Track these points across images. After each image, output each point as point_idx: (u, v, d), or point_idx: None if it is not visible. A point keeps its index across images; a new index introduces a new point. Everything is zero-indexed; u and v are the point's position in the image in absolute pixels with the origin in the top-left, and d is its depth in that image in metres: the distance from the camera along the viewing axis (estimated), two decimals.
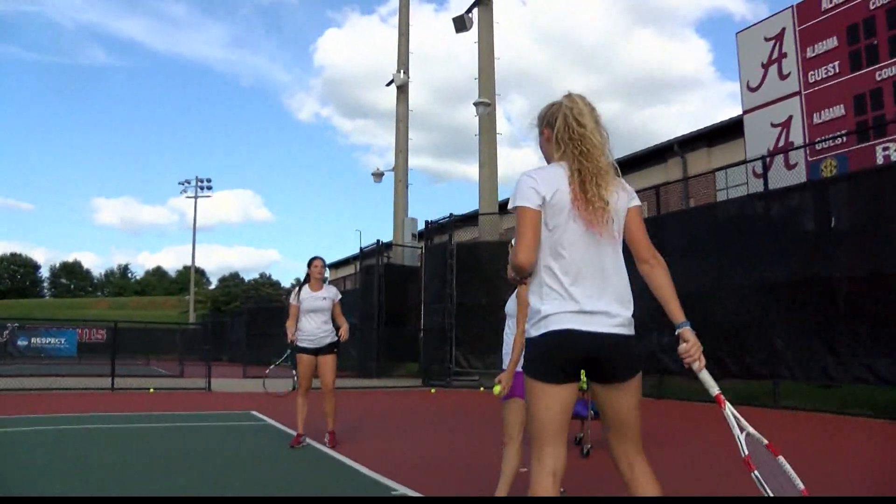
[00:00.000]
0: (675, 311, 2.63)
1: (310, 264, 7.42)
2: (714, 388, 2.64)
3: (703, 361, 2.59)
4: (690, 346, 2.56)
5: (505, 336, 4.56)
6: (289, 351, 7.50)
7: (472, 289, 16.41)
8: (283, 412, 10.61)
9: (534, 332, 2.56)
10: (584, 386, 6.80)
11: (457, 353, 16.54)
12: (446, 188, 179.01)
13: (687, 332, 2.59)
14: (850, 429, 8.26)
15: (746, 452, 2.50)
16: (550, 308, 2.52)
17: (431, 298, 17.64)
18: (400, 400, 13.34)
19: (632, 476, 2.64)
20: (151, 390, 15.13)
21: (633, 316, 2.63)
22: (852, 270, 9.48)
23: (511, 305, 4.53)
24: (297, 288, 7.48)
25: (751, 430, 2.58)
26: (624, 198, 2.66)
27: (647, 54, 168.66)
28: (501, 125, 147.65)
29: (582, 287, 2.52)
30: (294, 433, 7.28)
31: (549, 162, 2.75)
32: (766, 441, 2.56)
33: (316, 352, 7.24)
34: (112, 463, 6.33)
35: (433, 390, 15.75)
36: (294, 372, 7.52)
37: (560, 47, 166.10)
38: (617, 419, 2.64)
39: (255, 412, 10.73)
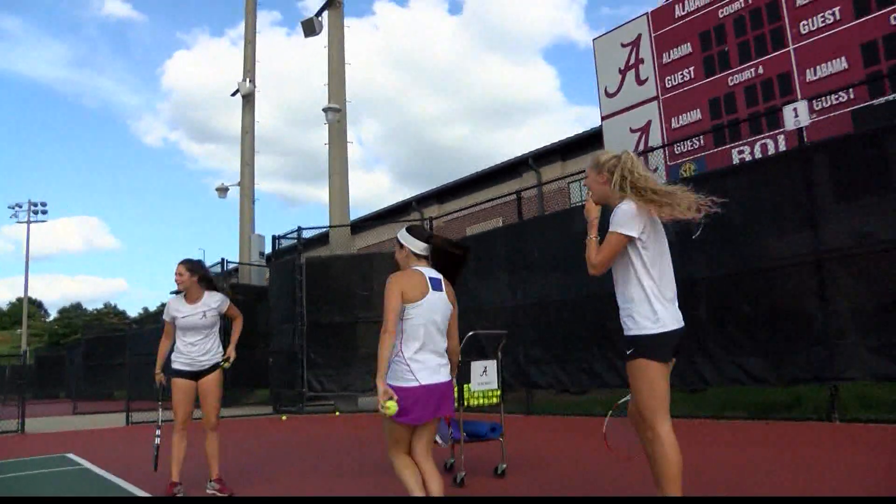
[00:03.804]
0: None
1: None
2: None
3: None
4: None
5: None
6: (162, 384, 5.88)
7: (325, 306, 15.24)
8: (104, 453, 9.11)
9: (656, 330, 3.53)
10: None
11: (309, 376, 15.25)
12: (300, 212, 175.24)
13: None
14: (726, 432, 7.87)
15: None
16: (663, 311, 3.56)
17: (280, 318, 16.26)
18: (246, 430, 11.97)
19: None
20: None
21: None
22: (716, 270, 9.20)
23: (430, 312, 3.67)
24: (169, 301, 5.85)
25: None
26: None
27: (497, 79, 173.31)
28: (353, 150, 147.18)
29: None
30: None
31: (600, 197, 3.76)
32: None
33: (195, 375, 5.70)
34: None
35: (284, 417, 14.43)
36: (159, 403, 6.03)
37: (412, 72, 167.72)
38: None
39: (71, 455, 9.11)
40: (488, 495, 5.13)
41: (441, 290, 3.75)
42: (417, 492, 3.56)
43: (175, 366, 5.71)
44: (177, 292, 5.82)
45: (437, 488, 3.59)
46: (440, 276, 3.80)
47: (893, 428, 7.19)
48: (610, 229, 3.56)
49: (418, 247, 3.84)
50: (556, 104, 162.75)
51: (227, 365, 5.82)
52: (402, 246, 3.88)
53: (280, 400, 15.96)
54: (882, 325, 7.66)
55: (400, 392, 3.54)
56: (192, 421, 5.80)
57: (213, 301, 5.81)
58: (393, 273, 3.77)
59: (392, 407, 3.43)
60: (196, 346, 5.71)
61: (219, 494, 5.62)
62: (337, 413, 14.54)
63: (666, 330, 3.49)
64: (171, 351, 5.85)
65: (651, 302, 3.52)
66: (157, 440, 5.93)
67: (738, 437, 7.57)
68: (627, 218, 3.50)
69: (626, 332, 3.60)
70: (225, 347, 5.95)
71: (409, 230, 3.91)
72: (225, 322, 6.10)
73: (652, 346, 3.49)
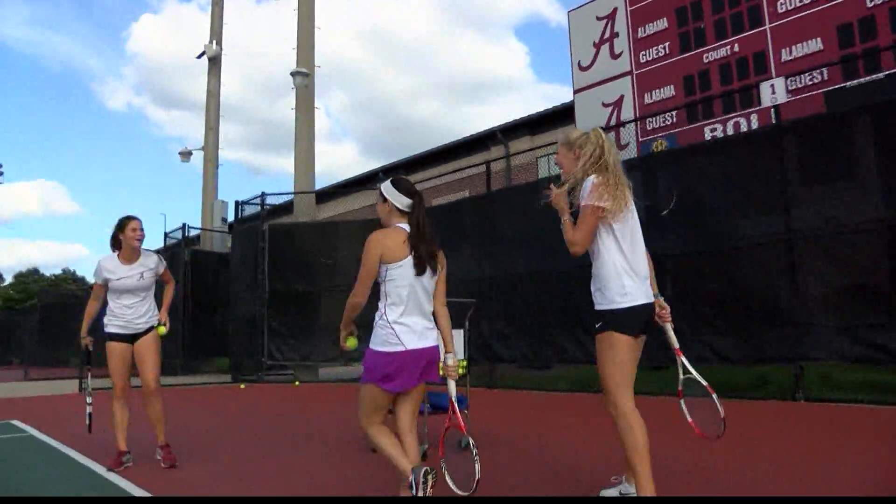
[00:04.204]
0: (654, 284, 3.75)
1: (123, 227, 5.37)
2: (675, 343, 3.77)
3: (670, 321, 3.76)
4: (667, 310, 3.73)
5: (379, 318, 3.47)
6: (88, 348, 5.59)
7: (287, 275, 14.97)
8: (51, 420, 8.80)
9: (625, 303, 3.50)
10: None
11: (270, 345, 15.00)
12: (264, 181, 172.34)
13: (661, 300, 3.72)
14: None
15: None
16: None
17: (242, 286, 15.95)
18: (204, 398, 11.70)
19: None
20: None
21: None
22: (685, 248, 9.12)
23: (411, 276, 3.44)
24: (100, 261, 5.43)
25: (694, 374, 3.74)
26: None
27: (468, 55, 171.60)
28: (321, 121, 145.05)
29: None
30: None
31: (566, 171, 3.75)
32: (704, 382, 3.67)
33: (132, 338, 5.40)
34: None
35: (242, 386, 14.18)
36: (87, 367, 5.71)
37: (383, 45, 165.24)
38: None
39: (15, 421, 8.79)
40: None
41: None
42: (402, 459, 3.32)
43: (109, 329, 5.41)
44: (114, 251, 5.51)
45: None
46: None
47: (856, 408, 7.20)
48: (583, 204, 3.52)
49: (403, 202, 3.53)
50: (526, 81, 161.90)
51: (163, 330, 5.55)
52: (385, 199, 3.58)
53: (240, 368, 15.70)
54: (849, 307, 7.65)
55: (385, 358, 3.35)
56: (133, 389, 5.52)
57: (151, 262, 5.52)
58: (374, 231, 3.52)
59: (352, 342, 3.55)
60: (132, 309, 5.41)
61: (163, 464, 5.38)
62: (297, 383, 14.32)
63: (635, 304, 3.49)
64: (102, 314, 5.54)
65: (621, 276, 3.52)
66: (90, 408, 5.66)
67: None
68: (600, 190, 3.48)
69: (596, 306, 3.59)
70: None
71: (394, 183, 3.60)
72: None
73: (620, 319, 3.49)
